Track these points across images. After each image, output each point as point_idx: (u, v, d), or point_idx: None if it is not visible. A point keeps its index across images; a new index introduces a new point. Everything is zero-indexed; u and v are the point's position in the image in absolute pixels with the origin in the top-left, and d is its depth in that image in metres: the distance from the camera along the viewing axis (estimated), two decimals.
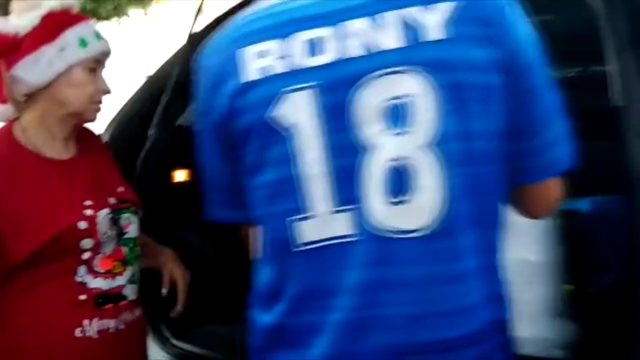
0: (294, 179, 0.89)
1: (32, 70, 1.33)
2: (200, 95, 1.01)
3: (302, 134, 0.88)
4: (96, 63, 1.39)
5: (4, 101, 1.40)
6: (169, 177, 2.10)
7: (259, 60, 0.91)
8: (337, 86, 0.88)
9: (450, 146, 0.85)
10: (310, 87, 0.88)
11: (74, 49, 1.35)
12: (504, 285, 0.94)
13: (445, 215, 0.85)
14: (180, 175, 2.14)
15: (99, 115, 1.45)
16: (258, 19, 0.95)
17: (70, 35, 1.35)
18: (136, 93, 2.05)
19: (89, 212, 1.35)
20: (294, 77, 0.89)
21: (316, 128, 0.88)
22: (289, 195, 0.90)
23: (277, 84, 0.90)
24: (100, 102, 1.42)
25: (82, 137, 1.48)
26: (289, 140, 0.89)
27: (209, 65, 0.99)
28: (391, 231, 0.86)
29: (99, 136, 1.61)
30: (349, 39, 0.88)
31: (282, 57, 0.90)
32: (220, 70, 0.96)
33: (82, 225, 1.32)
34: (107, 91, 1.42)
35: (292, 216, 0.90)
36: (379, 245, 0.87)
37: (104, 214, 1.37)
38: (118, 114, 1.99)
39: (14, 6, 1.39)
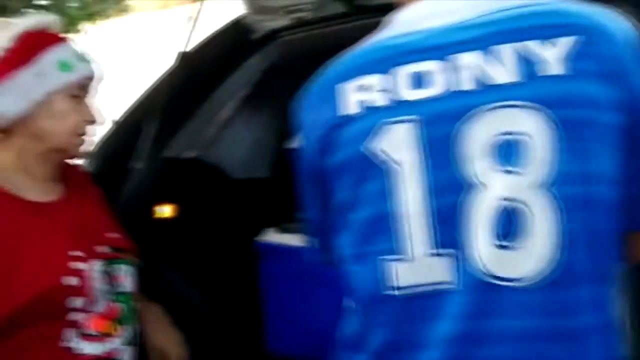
0: (390, 217, 0.84)
1: (6, 99, 1.14)
2: (301, 133, 0.97)
3: (402, 168, 0.84)
4: (80, 89, 1.20)
5: None
6: (152, 213, 1.90)
7: (358, 94, 0.88)
8: (443, 119, 0.83)
9: (567, 188, 0.79)
10: (413, 119, 0.84)
11: (52, 74, 1.16)
12: (623, 348, 0.88)
13: (559, 263, 0.78)
14: (164, 211, 1.94)
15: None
16: (361, 54, 0.92)
17: (49, 58, 1.16)
18: (121, 119, 1.84)
19: (77, 264, 1.14)
20: (396, 110, 0.85)
21: (417, 163, 0.83)
22: (384, 234, 0.85)
23: (377, 117, 0.86)
24: (84, 134, 1.23)
25: (67, 174, 1.28)
26: (387, 175, 0.85)
27: (309, 103, 0.96)
28: (495, 278, 0.80)
29: (86, 173, 1.41)
30: (459, 72, 0.84)
31: (384, 91, 0.87)
32: (319, 106, 0.93)
33: (69, 280, 1.12)
34: (93, 121, 1.23)
35: (385, 257, 0.84)
36: (480, 293, 0.80)
37: (95, 266, 1.17)
38: (99, 143, 1.78)
39: None
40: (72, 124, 1.19)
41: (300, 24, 1.89)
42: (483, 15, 0.86)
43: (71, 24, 7.91)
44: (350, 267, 0.91)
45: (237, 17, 1.96)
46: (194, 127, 1.97)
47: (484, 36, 0.84)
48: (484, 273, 0.80)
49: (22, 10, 6.53)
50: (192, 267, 1.99)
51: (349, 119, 0.88)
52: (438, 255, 0.82)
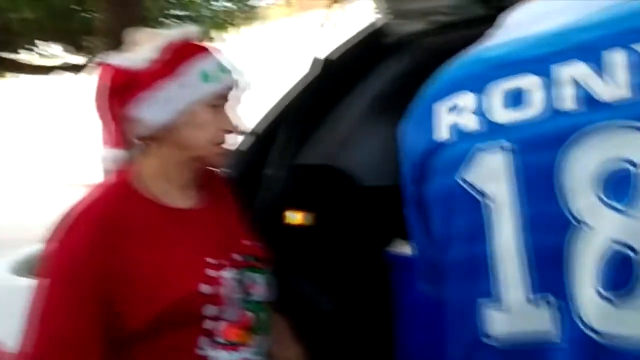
0: (483, 257, 0.75)
1: (149, 109, 1.16)
2: (402, 155, 0.90)
3: (496, 202, 0.75)
4: (220, 99, 1.20)
5: (117, 145, 1.23)
6: (283, 219, 1.89)
7: (450, 117, 0.80)
8: (543, 145, 0.71)
9: None
10: (507, 146, 0.73)
11: (194, 84, 1.16)
12: None
13: None
14: (294, 218, 1.93)
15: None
16: (457, 68, 0.84)
17: (191, 68, 1.17)
18: (255, 127, 1.86)
19: (211, 272, 1.15)
20: (489, 135, 0.75)
21: (513, 196, 0.73)
22: (477, 276, 0.76)
23: (469, 143, 0.77)
24: (224, 143, 1.23)
25: (206, 181, 1.29)
26: (479, 210, 0.76)
27: (409, 123, 0.90)
28: (607, 335, 0.67)
29: (224, 179, 1.42)
30: (561, 89, 0.71)
31: (476, 113, 0.77)
32: (416, 128, 0.86)
33: (205, 288, 1.12)
34: (233, 130, 1.23)
35: (480, 301, 0.76)
36: (589, 353, 0.68)
37: (229, 274, 1.17)
38: (236, 151, 1.80)
39: (131, 39, 1.22)
40: (213, 134, 1.19)
41: (438, 27, 1.81)
42: (592, 15, 0.72)
43: (205, 32, 8.29)
44: (446, 307, 0.84)
45: (372, 22, 1.92)
46: (325, 133, 1.95)
47: (590, 42, 0.71)
48: (593, 330, 0.68)
49: (160, 19, 6.90)
50: (321, 276, 1.96)
51: (441, 146, 0.80)
52: (536, 302, 0.71)
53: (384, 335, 1.91)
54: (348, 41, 1.93)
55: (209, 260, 1.16)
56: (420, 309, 1.85)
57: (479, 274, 0.75)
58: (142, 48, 1.18)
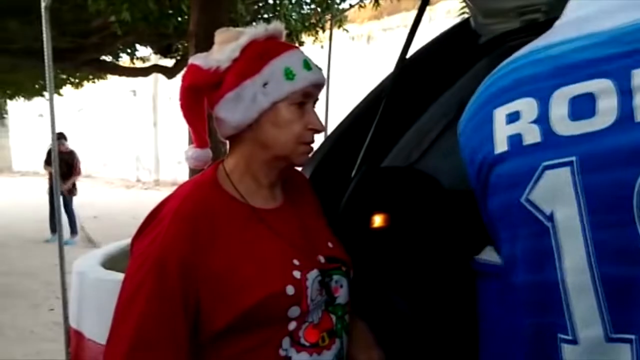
0: (556, 287, 0.68)
1: (234, 109, 1.16)
2: (463, 158, 0.85)
3: (564, 226, 0.66)
4: (305, 97, 1.19)
5: (203, 144, 1.25)
6: (369, 222, 1.87)
7: (510, 126, 0.72)
8: (615, 162, 0.62)
9: None
10: (574, 162, 0.64)
11: (278, 83, 1.15)
12: None
13: None
14: (379, 221, 1.90)
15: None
16: (515, 69, 0.75)
17: (275, 66, 1.16)
18: (338, 128, 1.84)
19: (297, 273, 1.14)
20: (552, 149, 0.67)
21: (583, 220, 0.64)
22: (551, 308, 0.69)
23: (531, 158, 0.69)
24: (309, 142, 1.21)
25: (289, 181, 1.29)
26: (547, 234, 0.68)
27: (466, 126, 0.84)
28: None
29: (307, 180, 1.41)
30: (635, 96, 0.61)
31: (538, 122, 0.68)
32: (473, 134, 0.80)
33: (290, 289, 1.11)
34: (318, 130, 1.21)
35: (555, 335, 0.69)
36: None
37: (313, 275, 1.16)
38: (317, 151, 1.80)
39: (217, 38, 1.22)
40: (297, 132, 1.18)
41: (532, 26, 1.74)
42: None
43: (292, 36, 8.38)
44: (516, 332, 0.78)
45: (463, 20, 1.87)
46: (412, 136, 1.91)
47: None
48: None
49: (250, 22, 7.03)
50: (406, 282, 1.92)
51: (501, 159, 0.73)
52: (614, 341, 0.63)
53: (465, 344, 1.85)
54: (435, 41, 1.88)
55: (294, 261, 1.15)
56: (506, 320, 1.78)
57: (550, 306, 0.69)
58: (227, 47, 1.18)
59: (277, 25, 1.23)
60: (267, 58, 1.17)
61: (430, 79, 1.85)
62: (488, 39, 1.82)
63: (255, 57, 1.17)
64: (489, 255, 1.82)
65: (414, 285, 1.91)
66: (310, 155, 1.23)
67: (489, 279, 1.81)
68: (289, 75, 1.16)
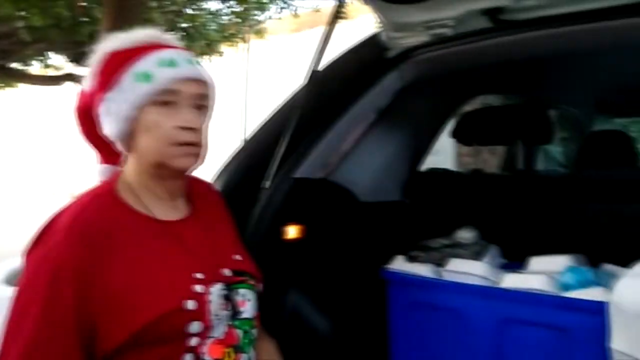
0: None
1: (110, 124, 1.15)
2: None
3: None
4: (171, 95, 1.13)
5: (104, 160, 1.25)
6: (281, 233, 1.85)
7: None
8: None
9: None
10: None
11: (133, 88, 1.12)
12: None
13: None
14: (291, 232, 1.89)
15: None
16: None
17: (129, 73, 1.13)
18: (250, 138, 1.82)
19: (198, 287, 1.10)
20: None
21: None
22: None
23: None
24: (186, 142, 1.13)
25: (195, 192, 1.25)
26: None
27: None
28: None
29: (216, 192, 1.37)
30: None
31: None
32: None
33: (190, 305, 1.07)
34: (191, 127, 1.13)
35: None
36: None
37: (216, 290, 1.13)
38: (228, 162, 1.76)
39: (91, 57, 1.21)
40: (166, 132, 1.12)
41: (439, 41, 1.77)
42: None
43: (210, 46, 8.28)
44: None
45: (372, 34, 1.89)
46: (323, 147, 1.90)
47: None
48: None
49: (166, 30, 6.91)
50: (317, 291, 1.91)
51: None
52: None
53: (378, 353, 1.87)
54: (345, 53, 1.89)
55: (196, 275, 1.11)
56: (415, 326, 1.81)
57: None
58: (90, 65, 1.18)
59: (143, 32, 1.19)
60: (123, 67, 1.14)
61: (340, 91, 1.86)
62: (397, 52, 1.85)
63: (113, 69, 1.14)
64: (396, 264, 1.86)
65: (329, 297, 1.91)
66: (193, 157, 1.15)
67: (396, 287, 1.84)
68: (142, 77, 1.12)
